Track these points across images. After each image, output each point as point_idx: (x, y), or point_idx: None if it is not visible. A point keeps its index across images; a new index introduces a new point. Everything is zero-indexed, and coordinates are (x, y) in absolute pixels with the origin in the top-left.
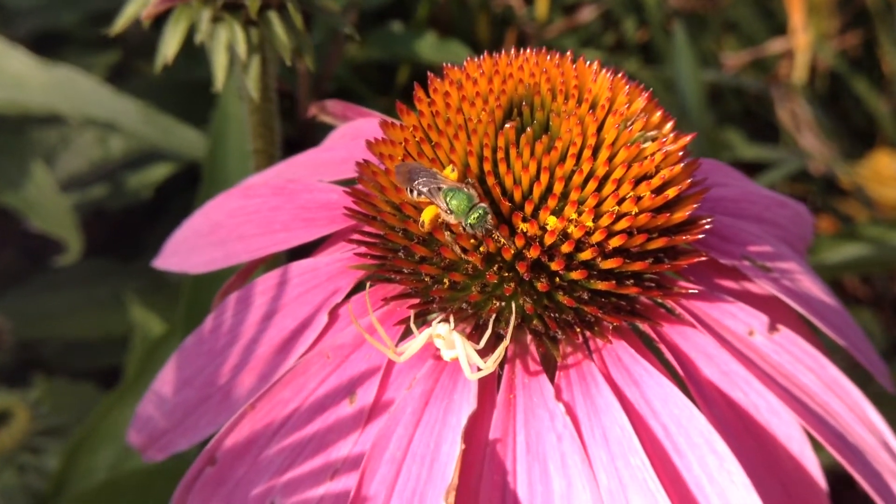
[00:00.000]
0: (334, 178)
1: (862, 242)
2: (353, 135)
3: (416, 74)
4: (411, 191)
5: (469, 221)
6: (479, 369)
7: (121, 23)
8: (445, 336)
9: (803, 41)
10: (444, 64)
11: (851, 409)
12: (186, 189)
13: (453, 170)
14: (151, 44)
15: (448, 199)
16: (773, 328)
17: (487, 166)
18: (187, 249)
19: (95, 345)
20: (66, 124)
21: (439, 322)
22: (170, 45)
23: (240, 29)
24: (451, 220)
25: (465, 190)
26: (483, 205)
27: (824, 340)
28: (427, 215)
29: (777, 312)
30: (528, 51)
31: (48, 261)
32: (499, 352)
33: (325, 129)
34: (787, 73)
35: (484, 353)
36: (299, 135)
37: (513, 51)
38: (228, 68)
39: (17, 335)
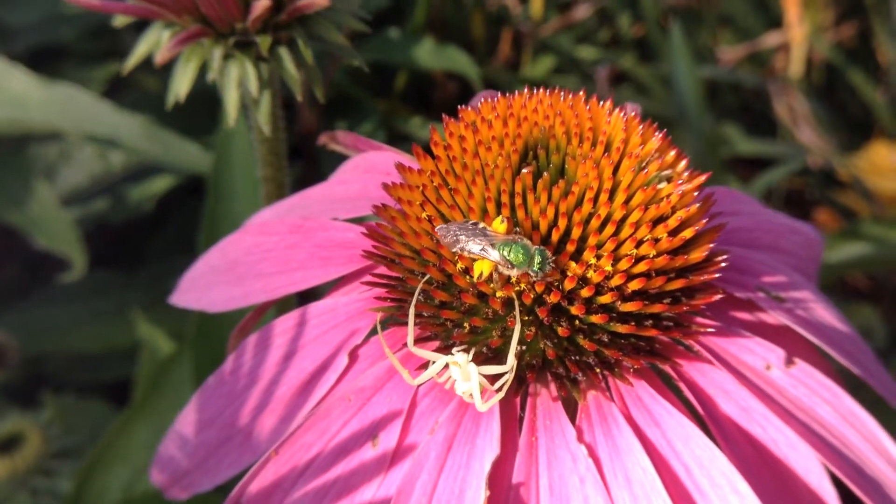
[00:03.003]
0: (349, 215)
1: (864, 241)
2: (365, 167)
3: (413, 78)
4: (461, 250)
5: (535, 269)
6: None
7: (131, 63)
8: (462, 365)
9: (799, 34)
10: (443, 71)
11: (867, 439)
12: (187, 200)
13: (503, 220)
14: (149, 56)
15: (506, 253)
16: (789, 362)
17: (506, 212)
18: (205, 286)
19: (100, 358)
20: (66, 139)
21: (458, 351)
22: (182, 84)
23: (251, 66)
24: (514, 272)
25: (519, 241)
26: (540, 248)
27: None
28: (483, 268)
29: (791, 341)
30: (542, 91)
31: (50, 275)
32: (506, 377)
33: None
34: (783, 67)
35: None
36: (298, 144)
37: (525, 91)
38: (240, 103)
39: (21, 351)
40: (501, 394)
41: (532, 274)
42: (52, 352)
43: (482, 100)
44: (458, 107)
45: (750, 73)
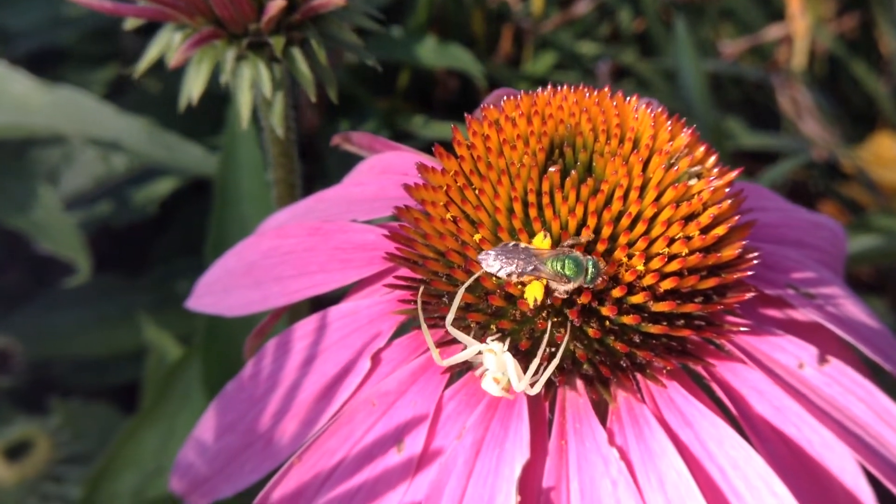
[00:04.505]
0: (368, 216)
1: (874, 234)
2: (381, 168)
3: (415, 76)
4: (510, 276)
5: (589, 279)
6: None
7: (143, 65)
8: (498, 353)
9: (801, 26)
10: (445, 69)
11: None
12: (190, 201)
13: (545, 236)
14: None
15: (559, 267)
16: (822, 360)
17: (533, 212)
18: (221, 290)
19: (106, 362)
20: (69, 142)
21: (494, 339)
22: (195, 86)
23: (264, 67)
24: (570, 287)
25: (569, 253)
26: (591, 258)
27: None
28: (536, 292)
29: (822, 339)
30: (567, 88)
31: (54, 279)
32: (547, 365)
33: (330, 137)
34: (785, 59)
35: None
36: (304, 143)
37: (549, 88)
38: (252, 105)
39: (27, 356)
40: (540, 385)
41: (585, 285)
42: (58, 356)
43: (500, 98)
44: (462, 104)
45: (752, 67)
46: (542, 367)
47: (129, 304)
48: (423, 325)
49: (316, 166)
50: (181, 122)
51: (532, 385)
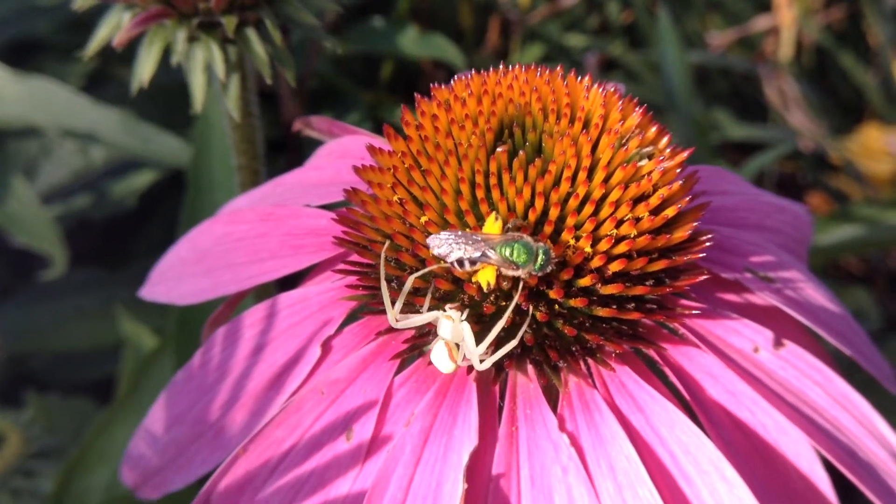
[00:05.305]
0: (322, 201)
1: (856, 223)
2: (340, 153)
3: (401, 68)
4: (460, 263)
5: (538, 266)
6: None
7: (93, 47)
8: (456, 321)
9: (788, 17)
10: (430, 60)
11: (861, 422)
12: (171, 195)
13: (497, 218)
14: (129, 49)
15: (508, 254)
16: (778, 343)
17: (480, 193)
18: (174, 278)
19: (86, 356)
20: (46, 134)
21: (451, 307)
22: (145, 68)
23: (217, 48)
24: (519, 273)
25: (519, 239)
26: (542, 245)
27: (825, 343)
28: (489, 276)
29: (781, 323)
30: (518, 67)
31: (34, 273)
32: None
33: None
34: (773, 51)
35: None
36: (282, 136)
37: (501, 68)
38: (207, 87)
39: (6, 350)
40: (501, 353)
41: (534, 272)
42: (37, 350)
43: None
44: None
45: (740, 58)
46: (495, 345)
47: (109, 297)
48: (384, 285)
49: (296, 158)
50: (158, 114)
51: (482, 361)
